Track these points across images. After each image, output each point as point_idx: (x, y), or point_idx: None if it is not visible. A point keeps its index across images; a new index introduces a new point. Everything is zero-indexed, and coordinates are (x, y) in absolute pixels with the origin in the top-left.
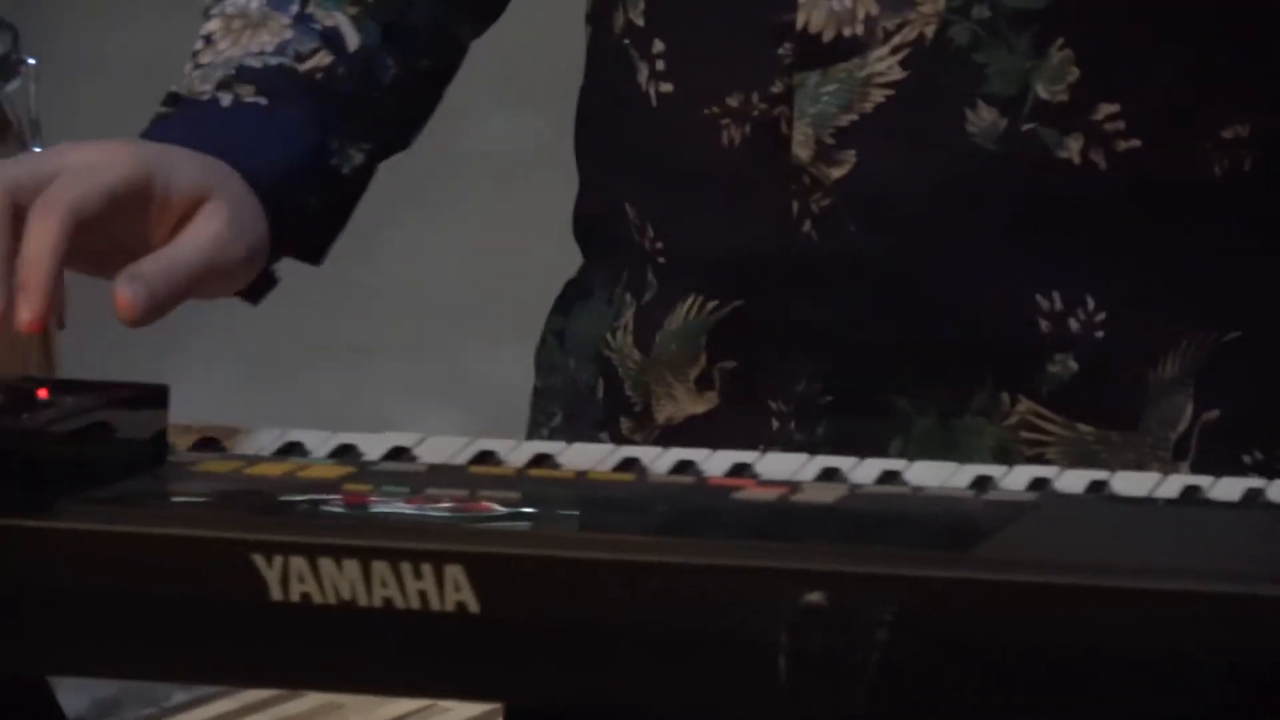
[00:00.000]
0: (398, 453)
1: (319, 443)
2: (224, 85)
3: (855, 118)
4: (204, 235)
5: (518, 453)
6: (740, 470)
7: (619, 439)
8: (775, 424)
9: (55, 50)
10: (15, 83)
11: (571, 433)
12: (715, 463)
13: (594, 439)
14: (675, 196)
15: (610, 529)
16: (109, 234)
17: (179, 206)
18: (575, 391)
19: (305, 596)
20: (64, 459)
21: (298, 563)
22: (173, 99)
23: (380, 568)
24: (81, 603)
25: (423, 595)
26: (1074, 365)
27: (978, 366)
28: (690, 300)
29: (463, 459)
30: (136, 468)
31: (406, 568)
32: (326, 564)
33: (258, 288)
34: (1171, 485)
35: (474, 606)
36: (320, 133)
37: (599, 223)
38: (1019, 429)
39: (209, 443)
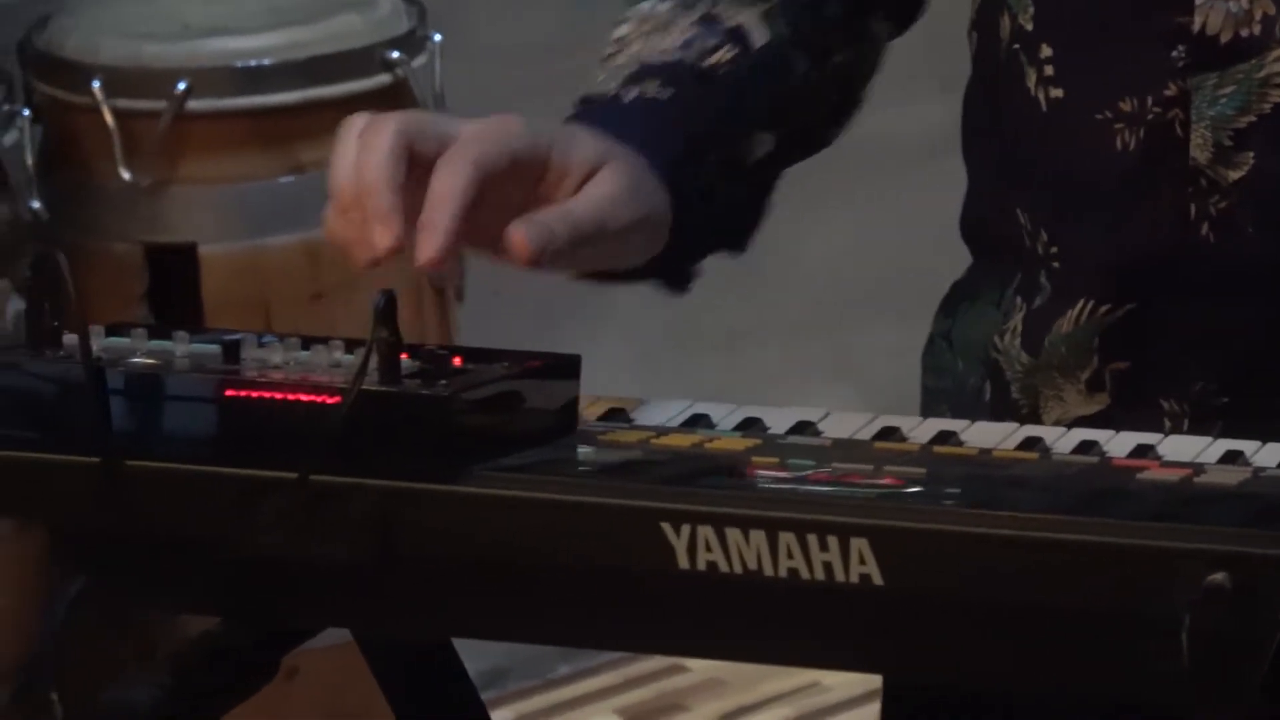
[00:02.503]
0: (802, 427)
1: (724, 415)
2: (629, 82)
3: (1253, 119)
4: (599, 193)
5: (920, 429)
6: (1143, 451)
7: None
8: (1168, 424)
9: (460, 27)
10: (422, 58)
11: None
12: (1118, 444)
13: None
14: (1068, 201)
15: (1014, 506)
16: (504, 202)
17: (577, 174)
18: (963, 393)
19: (711, 566)
20: (478, 427)
21: (705, 532)
22: (582, 102)
23: (787, 539)
24: (493, 568)
25: (828, 567)
26: None
27: None
28: (1082, 304)
29: (866, 434)
30: (547, 436)
31: (813, 540)
32: (734, 534)
33: (681, 277)
34: None
35: (878, 579)
36: (722, 123)
37: (989, 225)
38: None
39: (616, 413)
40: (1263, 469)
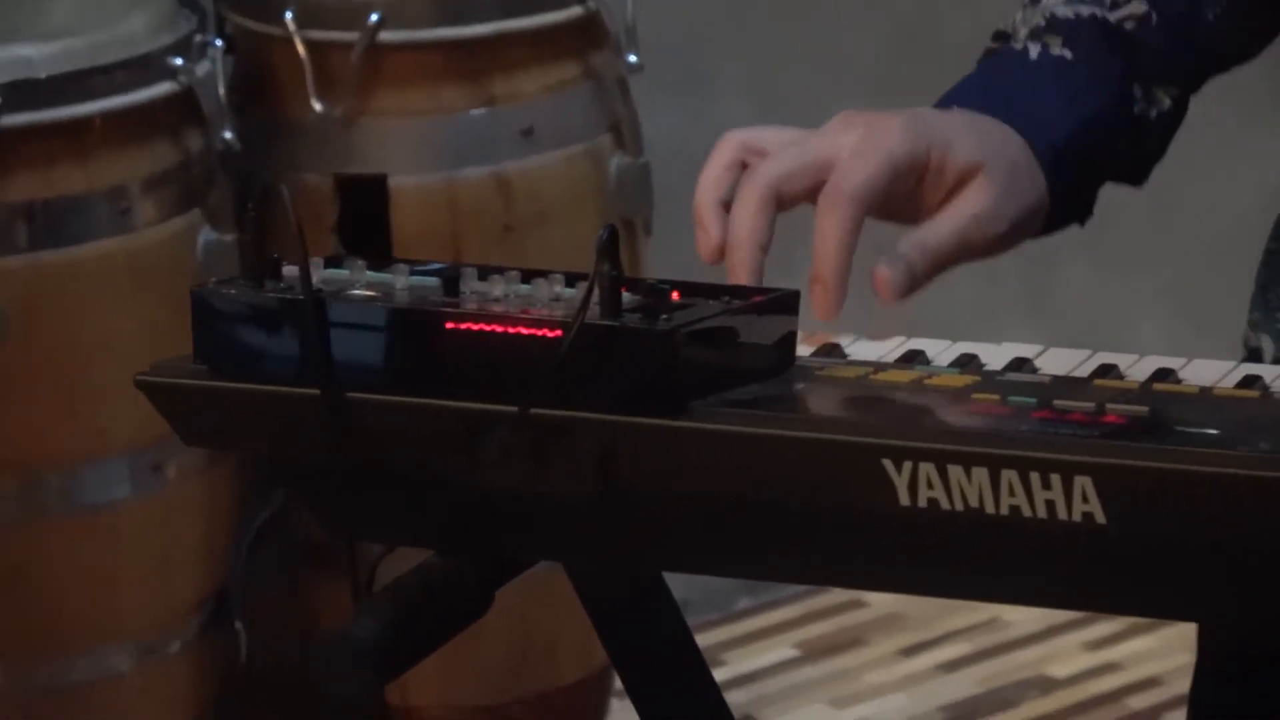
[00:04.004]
0: (1019, 363)
1: (939, 351)
2: (1035, 34)
3: None
4: (964, 214)
5: (1138, 367)
6: None
7: None
8: None
9: None
10: None
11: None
12: None
13: None
14: None
15: (1242, 445)
16: (882, 205)
17: (952, 178)
18: None
19: (933, 503)
20: (699, 362)
21: (927, 469)
22: (998, 35)
23: (1009, 476)
24: (712, 503)
25: (1050, 505)
26: None
27: None
28: None
29: (1084, 371)
30: (767, 371)
31: (1035, 478)
32: (956, 471)
33: (1081, 215)
34: None
35: (1100, 518)
36: (1124, 83)
37: None
38: None
39: (830, 348)
40: None
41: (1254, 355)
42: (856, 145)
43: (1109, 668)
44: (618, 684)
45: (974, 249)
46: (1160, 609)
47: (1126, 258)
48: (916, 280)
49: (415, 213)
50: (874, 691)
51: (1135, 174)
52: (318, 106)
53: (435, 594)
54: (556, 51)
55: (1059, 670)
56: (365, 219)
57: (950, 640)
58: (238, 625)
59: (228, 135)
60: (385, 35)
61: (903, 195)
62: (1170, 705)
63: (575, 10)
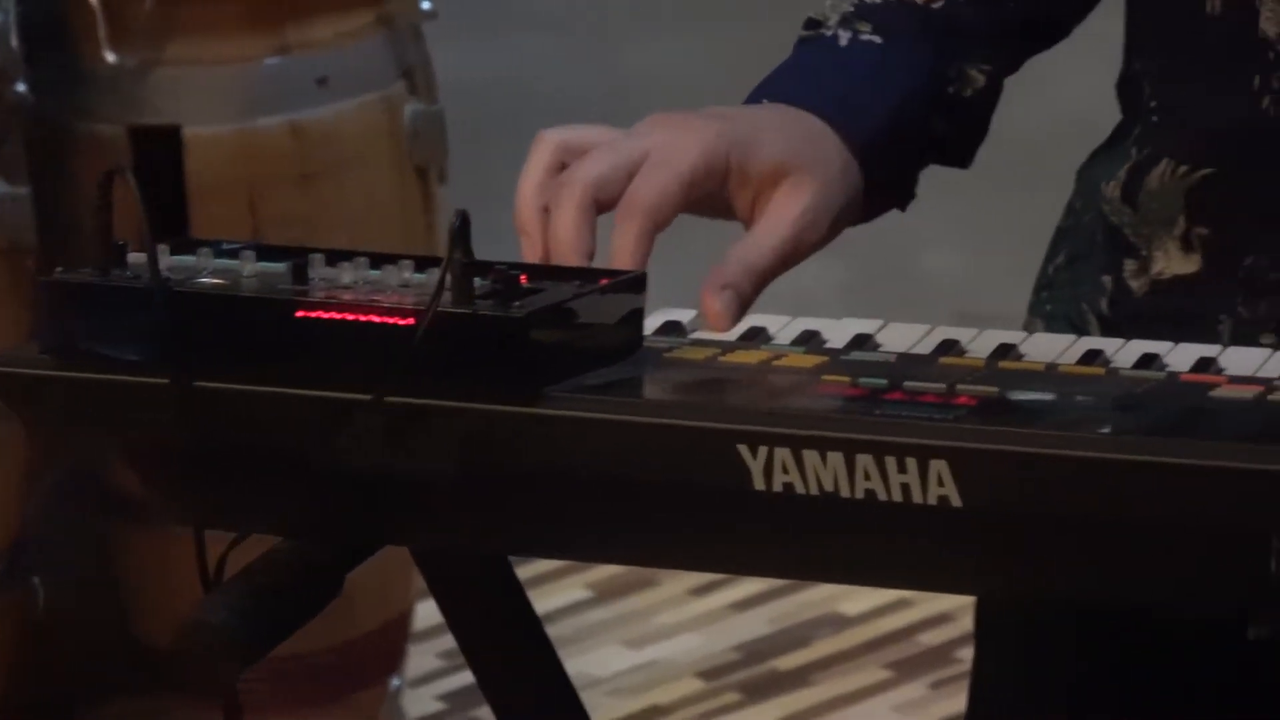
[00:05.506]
0: (860, 340)
1: (780, 327)
2: (845, 21)
3: None
4: (783, 224)
5: (979, 341)
6: (1205, 365)
7: (1120, 285)
8: (1255, 291)
9: None
10: None
11: (1073, 273)
12: (1178, 356)
13: (1097, 284)
14: (1165, 59)
15: (1095, 426)
16: (690, 205)
17: (758, 180)
18: (1079, 234)
19: (788, 486)
20: (552, 346)
21: (782, 454)
22: (810, 24)
23: (864, 461)
24: (566, 489)
25: (905, 489)
26: None
27: None
28: (1166, 163)
29: (925, 347)
30: (618, 354)
31: (891, 462)
32: (811, 456)
33: (903, 198)
34: None
35: (956, 501)
36: (937, 62)
37: (1126, 81)
38: None
39: (672, 326)
40: None
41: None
42: (657, 154)
43: (900, 604)
44: (414, 628)
45: (798, 255)
46: (1016, 588)
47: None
48: (745, 302)
49: (210, 163)
50: (667, 631)
51: (958, 156)
52: (111, 57)
53: (286, 580)
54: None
55: (850, 608)
56: (160, 170)
57: (741, 579)
58: (34, 580)
59: (21, 88)
60: None
61: (711, 197)
62: (961, 641)
63: None
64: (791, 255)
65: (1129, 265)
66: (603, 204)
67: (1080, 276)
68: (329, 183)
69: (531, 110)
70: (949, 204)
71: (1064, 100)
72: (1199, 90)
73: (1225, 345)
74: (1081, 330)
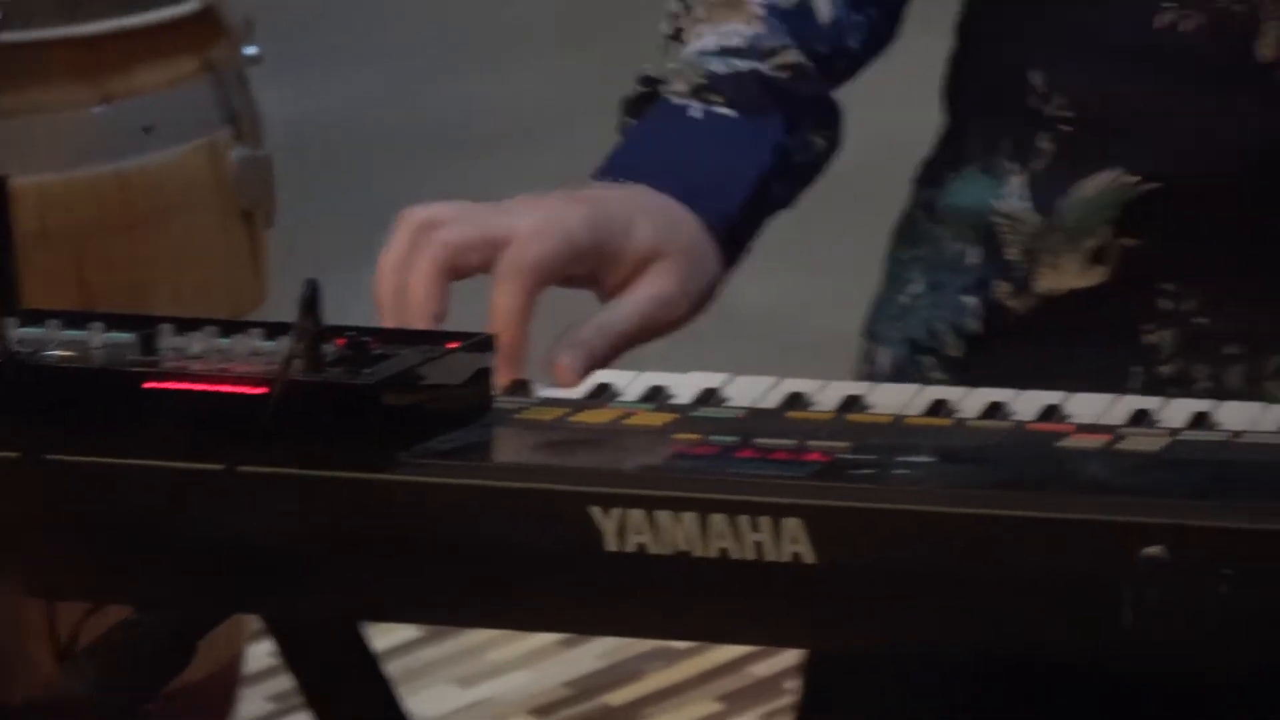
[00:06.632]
0: (708, 395)
1: (627, 383)
2: (697, 92)
3: None
4: (645, 299)
5: (825, 394)
6: (1051, 413)
7: (992, 304)
8: (1166, 303)
9: None
10: None
11: (935, 298)
12: (1024, 404)
13: (959, 305)
14: (1100, 69)
15: (947, 481)
16: (563, 281)
17: (630, 264)
18: (941, 260)
19: (641, 547)
20: (403, 412)
21: (635, 515)
22: (647, 81)
23: (717, 520)
24: (421, 554)
25: (759, 546)
26: None
27: None
28: (1106, 173)
29: (773, 401)
30: (469, 416)
31: (744, 521)
32: (664, 516)
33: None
34: None
35: (810, 558)
36: (785, 136)
37: (980, 85)
38: None
39: (520, 385)
40: (1177, 430)
41: (869, 364)
42: (536, 224)
43: None
44: (245, 670)
45: (654, 332)
46: (873, 642)
47: None
48: (596, 363)
49: (37, 213)
50: (498, 669)
51: (789, 203)
52: None
53: (140, 649)
54: (175, 46)
55: (679, 642)
56: None
57: None
58: None
59: None
60: (3, 34)
61: (582, 275)
62: (791, 673)
63: (193, 4)
64: (648, 328)
65: (1001, 286)
66: (459, 270)
67: (941, 300)
68: (155, 230)
69: (358, 147)
70: (768, 237)
71: (873, 126)
72: (1153, 104)
73: (1166, 355)
74: (938, 352)
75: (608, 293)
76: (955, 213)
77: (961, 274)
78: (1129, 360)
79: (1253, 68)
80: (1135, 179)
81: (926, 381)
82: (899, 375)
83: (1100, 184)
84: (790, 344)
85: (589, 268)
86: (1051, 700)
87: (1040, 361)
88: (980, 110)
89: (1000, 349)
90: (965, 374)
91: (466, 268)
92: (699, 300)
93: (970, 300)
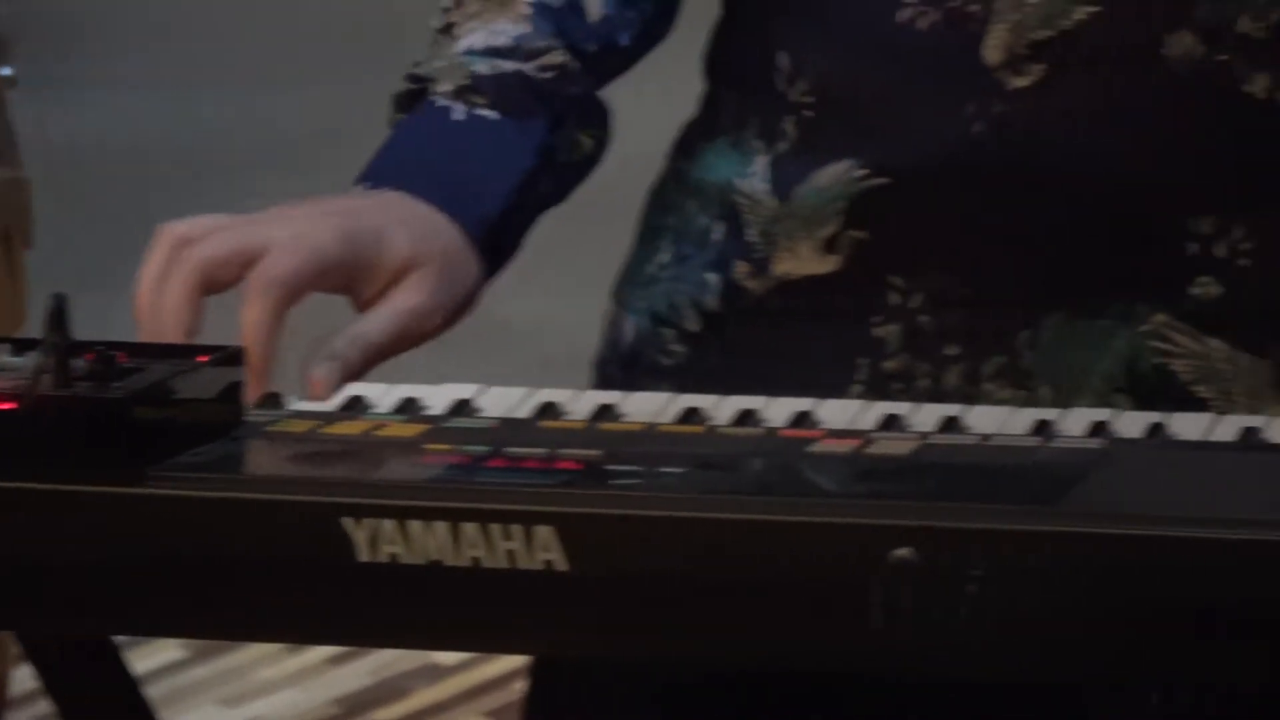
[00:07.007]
0: (461, 406)
1: (380, 395)
2: (460, 93)
3: (1053, 33)
4: (401, 309)
5: (578, 403)
6: (803, 419)
7: (731, 283)
8: (895, 298)
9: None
10: None
11: (679, 270)
12: (776, 411)
13: (701, 281)
14: (842, 58)
15: (697, 487)
16: (318, 290)
17: (386, 275)
18: (689, 232)
19: (394, 557)
20: (153, 426)
21: (387, 525)
22: (417, 80)
23: (469, 529)
24: (173, 567)
25: (511, 555)
26: (1216, 290)
27: (1121, 279)
28: (841, 163)
29: (526, 411)
30: (220, 429)
31: (496, 529)
32: (415, 526)
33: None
34: (1229, 427)
35: (562, 565)
36: (549, 134)
37: (737, 60)
38: (1151, 338)
39: (272, 398)
40: (927, 434)
41: (615, 330)
42: (290, 239)
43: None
44: (10, 693)
45: (410, 342)
46: (628, 649)
47: None
48: (351, 375)
49: None
50: (265, 688)
51: (559, 201)
52: None
53: None
54: None
55: (446, 658)
56: None
57: None
58: None
59: None
60: None
61: (336, 288)
62: None
63: None
64: (402, 339)
65: (741, 266)
66: (214, 285)
67: (684, 274)
68: None
69: (119, 167)
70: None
71: (646, 140)
72: (884, 97)
73: (891, 350)
74: (678, 326)
75: (364, 304)
76: (703, 186)
77: (706, 249)
78: (857, 351)
79: (979, 69)
80: (864, 172)
81: (665, 354)
82: (640, 344)
83: (834, 174)
84: (553, 358)
85: (343, 279)
86: (797, 704)
87: (773, 345)
88: (734, 85)
89: (736, 328)
90: (702, 350)
91: (222, 282)
92: (457, 308)
93: (712, 277)
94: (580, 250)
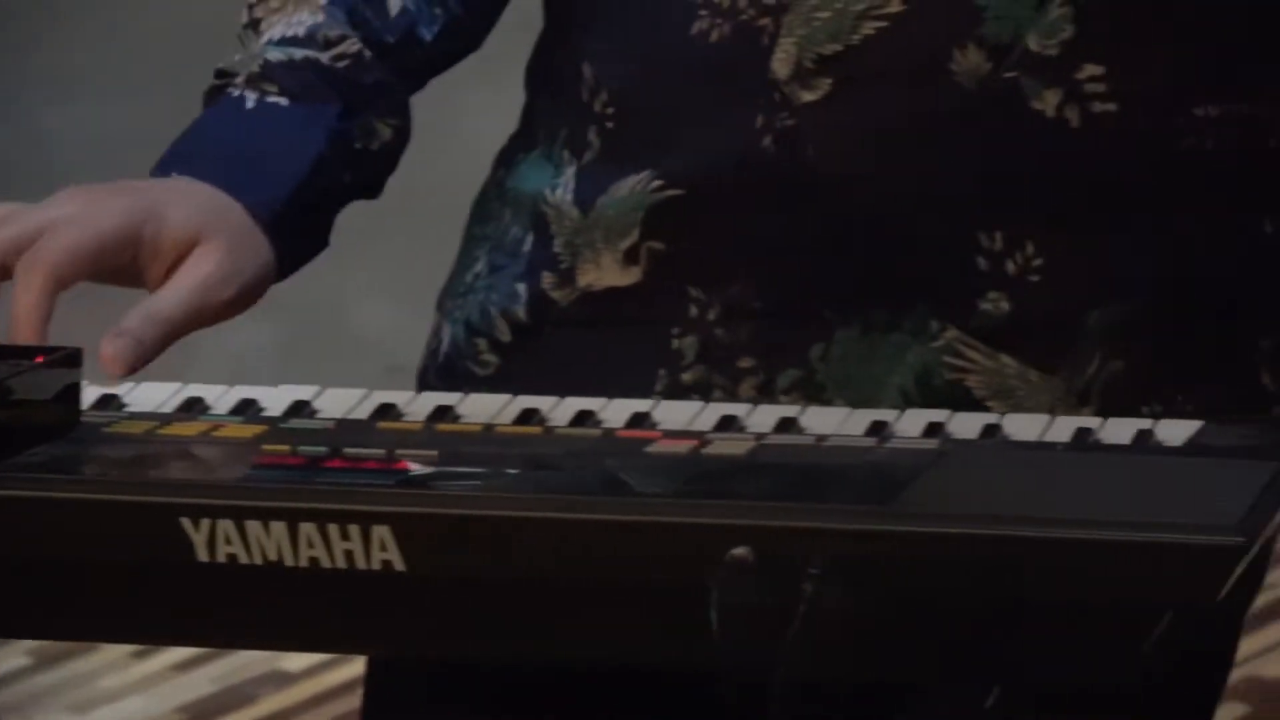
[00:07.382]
0: (299, 407)
1: (217, 396)
2: (252, 81)
3: (840, 48)
4: (189, 283)
5: (417, 404)
6: (640, 420)
7: (538, 294)
8: (694, 310)
9: None
10: None
11: (493, 280)
12: (614, 412)
13: (512, 291)
14: (639, 69)
15: (535, 487)
16: (104, 275)
17: (170, 251)
18: (503, 242)
19: (232, 557)
20: None
21: (224, 525)
22: (219, 74)
23: (307, 529)
24: (9, 568)
25: (349, 555)
26: (1006, 305)
27: (912, 293)
28: (640, 174)
29: (364, 413)
30: (54, 431)
31: (334, 530)
32: (254, 526)
33: (320, 246)
34: (1063, 428)
35: (400, 565)
36: (342, 123)
37: (552, 72)
38: (944, 353)
39: (108, 399)
40: (763, 435)
41: (436, 339)
42: (67, 218)
43: (341, 660)
44: None
45: (205, 315)
46: (465, 649)
47: (341, 245)
48: (146, 351)
49: None
50: (110, 695)
51: (369, 193)
52: None
53: None
54: None
55: (292, 665)
56: None
57: None
58: None
59: None
60: None
61: (121, 269)
62: None
63: None
64: (198, 312)
65: (547, 277)
66: (4, 273)
67: (497, 284)
68: None
69: None
70: (373, 258)
71: (470, 144)
72: (677, 109)
73: (688, 362)
74: (490, 335)
75: (153, 283)
76: (517, 196)
77: (518, 260)
78: (657, 363)
79: (768, 82)
80: (660, 183)
81: (479, 364)
82: (456, 354)
83: (631, 185)
84: (402, 365)
85: (126, 258)
86: (635, 704)
87: (579, 356)
88: (548, 95)
89: (544, 339)
90: (512, 360)
91: (6, 270)
92: (250, 285)
93: (521, 287)
94: (429, 259)
